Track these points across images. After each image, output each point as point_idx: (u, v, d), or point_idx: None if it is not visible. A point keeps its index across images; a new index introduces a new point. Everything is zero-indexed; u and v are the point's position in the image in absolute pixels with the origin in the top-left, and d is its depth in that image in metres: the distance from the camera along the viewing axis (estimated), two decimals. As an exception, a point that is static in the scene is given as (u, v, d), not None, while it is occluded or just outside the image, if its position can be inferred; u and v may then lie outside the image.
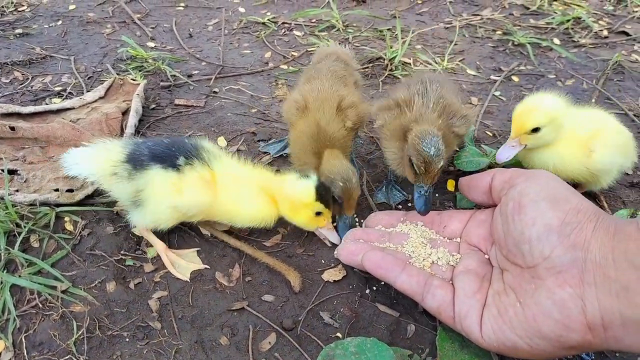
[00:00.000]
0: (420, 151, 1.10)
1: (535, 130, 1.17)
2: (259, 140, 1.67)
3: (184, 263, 1.21)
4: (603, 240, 0.81)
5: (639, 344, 0.76)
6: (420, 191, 1.14)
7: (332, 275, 1.19)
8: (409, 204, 1.40)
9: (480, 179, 1.10)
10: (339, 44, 2.32)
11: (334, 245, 1.23)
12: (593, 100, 1.91)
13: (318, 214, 1.19)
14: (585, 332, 0.80)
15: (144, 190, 1.13)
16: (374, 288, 1.16)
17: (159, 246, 1.21)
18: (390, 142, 1.27)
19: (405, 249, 1.13)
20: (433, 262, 1.09)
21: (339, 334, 1.07)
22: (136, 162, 1.14)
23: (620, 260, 0.77)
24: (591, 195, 1.44)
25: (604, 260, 0.79)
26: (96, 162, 1.17)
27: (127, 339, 1.06)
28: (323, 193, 1.16)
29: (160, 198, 1.13)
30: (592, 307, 0.78)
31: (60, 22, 2.61)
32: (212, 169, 1.18)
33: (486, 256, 1.07)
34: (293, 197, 1.17)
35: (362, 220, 1.30)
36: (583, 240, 0.83)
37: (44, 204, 1.32)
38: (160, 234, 1.23)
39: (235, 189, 1.18)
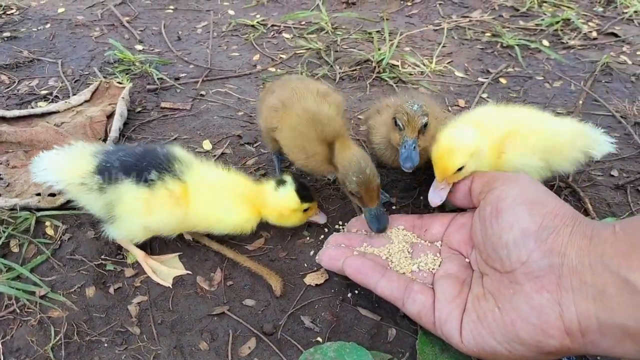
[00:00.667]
0: (404, 108, 1.13)
1: (460, 168, 1.11)
2: (244, 144, 1.66)
3: (165, 269, 1.20)
4: (580, 244, 0.81)
5: (616, 348, 0.76)
6: (406, 145, 1.13)
7: (314, 279, 1.19)
8: (394, 207, 1.40)
9: (460, 185, 1.10)
10: (327, 46, 2.33)
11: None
12: (581, 102, 1.90)
13: (305, 210, 1.21)
14: (563, 337, 0.79)
15: (117, 206, 1.11)
16: (356, 292, 1.16)
17: (139, 255, 1.21)
18: (379, 130, 1.27)
19: (386, 253, 1.13)
20: (414, 266, 1.09)
21: (319, 339, 1.07)
22: (107, 173, 1.11)
23: (597, 265, 0.77)
24: (576, 197, 1.44)
25: (581, 264, 0.79)
26: (64, 169, 1.15)
27: (106, 345, 1.05)
28: (304, 192, 1.18)
29: (132, 216, 1.11)
30: (569, 312, 0.78)
31: (48, 25, 2.60)
32: (183, 181, 1.14)
33: (467, 260, 1.06)
34: (280, 207, 1.19)
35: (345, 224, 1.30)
36: (560, 245, 0.82)
37: (24, 208, 1.31)
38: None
39: (210, 197, 1.16)
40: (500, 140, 1.17)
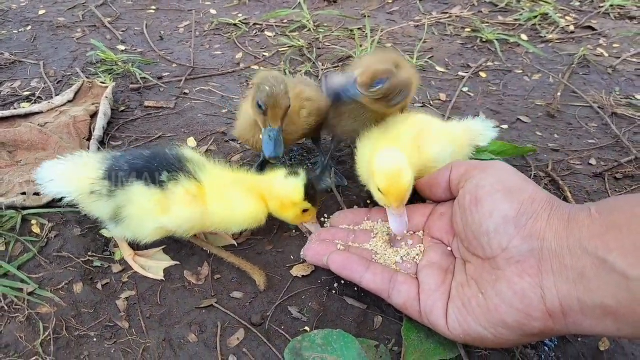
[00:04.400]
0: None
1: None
2: (229, 140, 1.67)
3: (154, 263, 1.21)
4: (558, 228, 0.83)
5: (597, 327, 0.78)
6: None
7: (300, 270, 1.20)
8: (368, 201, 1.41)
9: (439, 175, 1.11)
10: (310, 43, 2.34)
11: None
12: (559, 94, 1.94)
13: (305, 211, 1.20)
14: (546, 319, 0.81)
15: (125, 207, 1.10)
16: (342, 282, 1.17)
17: (127, 253, 1.21)
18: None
19: (370, 246, 1.15)
20: (398, 257, 1.10)
21: (307, 328, 1.08)
22: (115, 178, 1.10)
23: (575, 247, 0.79)
24: (556, 186, 1.47)
25: (560, 248, 0.81)
26: (73, 179, 1.14)
27: (95, 339, 1.06)
28: (311, 192, 1.17)
29: (144, 217, 1.10)
30: (551, 294, 0.80)
31: (30, 27, 2.59)
32: (199, 180, 1.14)
33: (449, 248, 1.08)
34: (283, 195, 1.17)
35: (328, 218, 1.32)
36: (539, 230, 0.84)
37: (10, 207, 1.31)
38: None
39: (227, 196, 1.15)
40: (414, 140, 1.20)
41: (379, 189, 1.09)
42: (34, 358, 1.01)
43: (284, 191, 1.17)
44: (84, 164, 1.16)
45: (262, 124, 1.17)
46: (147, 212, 1.10)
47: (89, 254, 1.23)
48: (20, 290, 1.13)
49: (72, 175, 1.14)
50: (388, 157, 1.09)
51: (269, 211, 1.21)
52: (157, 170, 1.11)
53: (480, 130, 1.38)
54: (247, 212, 1.17)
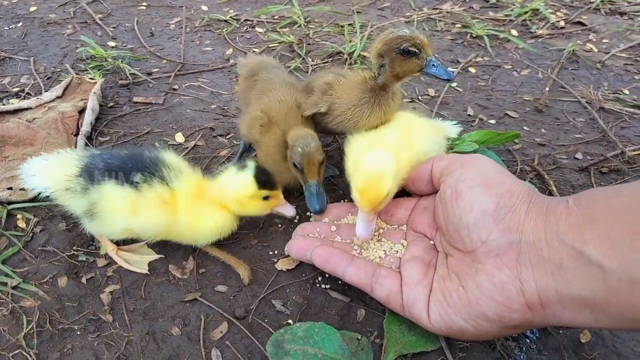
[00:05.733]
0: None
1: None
2: (217, 135, 1.67)
3: (138, 257, 1.21)
4: (536, 221, 0.83)
5: (576, 318, 0.79)
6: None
7: (285, 264, 1.21)
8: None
9: (421, 170, 1.11)
10: (300, 39, 2.34)
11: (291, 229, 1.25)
12: (547, 89, 1.94)
13: (266, 198, 1.17)
14: (526, 311, 0.82)
15: (98, 203, 1.10)
16: (327, 275, 1.17)
17: (109, 248, 1.21)
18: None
19: (355, 241, 1.15)
20: (381, 252, 1.11)
21: (290, 321, 1.09)
22: (90, 175, 1.11)
23: (552, 239, 0.79)
24: (541, 180, 1.47)
25: (538, 240, 0.81)
26: (51, 175, 1.14)
27: (78, 332, 1.06)
28: (263, 178, 1.14)
29: (114, 215, 1.10)
30: (529, 286, 0.81)
31: (20, 23, 2.58)
32: (172, 188, 1.13)
33: (432, 242, 1.09)
34: (238, 193, 1.15)
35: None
36: (517, 223, 0.85)
37: (-5, 202, 1.31)
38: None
39: (195, 207, 1.15)
40: (403, 136, 1.20)
41: (355, 188, 1.08)
42: (17, 351, 1.02)
43: (236, 189, 1.15)
44: (63, 161, 1.16)
45: (302, 182, 1.21)
46: (117, 211, 1.10)
47: (74, 248, 1.23)
48: (5, 284, 1.14)
49: (50, 172, 1.15)
50: (375, 159, 1.07)
51: (234, 216, 1.20)
52: (131, 170, 1.11)
53: (447, 127, 1.41)
54: (212, 225, 1.16)
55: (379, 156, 1.08)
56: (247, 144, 1.49)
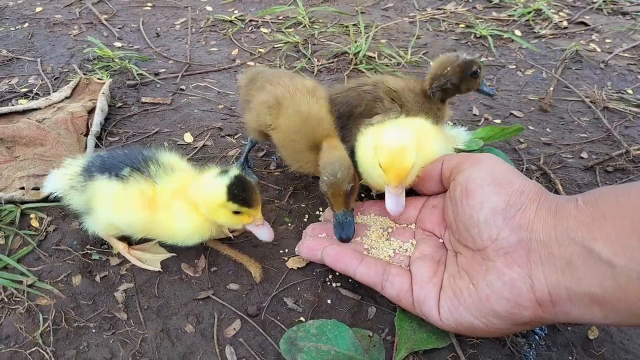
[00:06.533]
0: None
1: None
2: (225, 135, 1.69)
3: (150, 256, 1.22)
4: (546, 219, 0.85)
5: (585, 315, 0.80)
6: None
7: (296, 262, 1.22)
8: (362, 195, 1.44)
9: (431, 169, 1.12)
10: (305, 40, 2.36)
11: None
12: (552, 89, 1.96)
13: (237, 212, 1.09)
14: (536, 308, 0.83)
15: (92, 200, 1.13)
16: (337, 273, 1.19)
17: (120, 247, 1.22)
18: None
19: (364, 240, 1.17)
20: (391, 250, 1.12)
21: (302, 318, 1.10)
22: (88, 173, 1.14)
23: (563, 237, 0.81)
24: (547, 179, 1.49)
25: (548, 238, 0.83)
26: (61, 178, 1.19)
27: (94, 330, 1.07)
28: (237, 191, 1.05)
29: (101, 210, 1.12)
30: (540, 284, 0.82)
31: (26, 24, 2.59)
32: (155, 184, 1.12)
33: (441, 240, 1.10)
34: (206, 198, 1.08)
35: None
36: (527, 221, 0.86)
37: (9, 201, 1.33)
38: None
39: (176, 206, 1.12)
40: (415, 137, 1.20)
41: (380, 165, 1.07)
42: (34, 349, 1.03)
43: (207, 193, 1.08)
44: (72, 164, 1.20)
45: (330, 208, 1.18)
46: (103, 206, 1.12)
47: (87, 247, 1.25)
48: (20, 282, 1.15)
49: (61, 173, 1.19)
50: (395, 133, 1.08)
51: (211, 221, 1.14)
52: (120, 165, 1.12)
53: (457, 134, 1.42)
54: (188, 227, 1.13)
55: (398, 131, 1.09)
56: (253, 143, 1.50)
